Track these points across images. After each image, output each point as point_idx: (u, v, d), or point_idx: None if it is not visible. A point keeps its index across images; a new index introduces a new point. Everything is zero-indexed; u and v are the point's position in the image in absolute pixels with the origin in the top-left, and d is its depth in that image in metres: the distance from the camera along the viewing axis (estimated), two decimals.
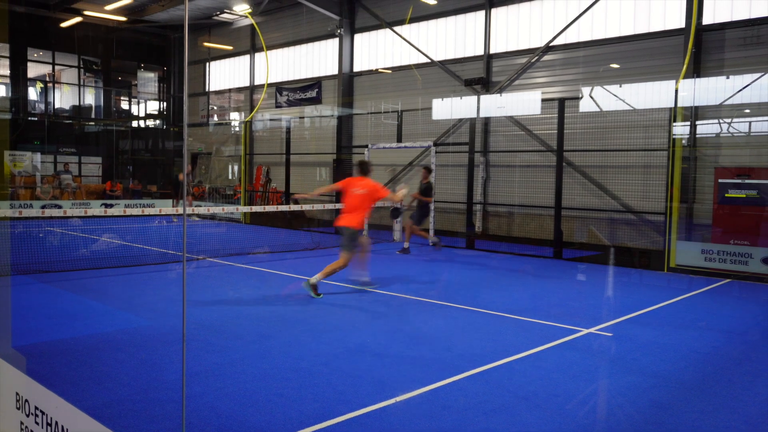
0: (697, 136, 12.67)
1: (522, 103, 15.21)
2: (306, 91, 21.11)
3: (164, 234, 16.04)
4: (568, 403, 4.50)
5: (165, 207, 18.59)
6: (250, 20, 22.45)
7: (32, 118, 24.46)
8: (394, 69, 18.44)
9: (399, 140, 16.56)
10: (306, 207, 14.60)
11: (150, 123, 28.52)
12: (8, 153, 22.36)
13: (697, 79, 12.48)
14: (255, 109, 22.85)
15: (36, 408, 3.06)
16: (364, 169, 8.71)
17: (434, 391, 4.67)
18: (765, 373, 5.40)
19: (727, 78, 12.13)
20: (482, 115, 15.97)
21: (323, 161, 20.33)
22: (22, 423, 3.20)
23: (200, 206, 18.51)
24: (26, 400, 3.15)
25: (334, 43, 20.02)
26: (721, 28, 12.40)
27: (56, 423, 2.90)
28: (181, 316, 6.83)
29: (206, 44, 25.14)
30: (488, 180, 16.01)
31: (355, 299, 8.03)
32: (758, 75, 11.62)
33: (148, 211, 13.52)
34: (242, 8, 21.46)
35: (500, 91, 15.76)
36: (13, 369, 3.34)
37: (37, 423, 3.05)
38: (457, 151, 15.66)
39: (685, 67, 12.23)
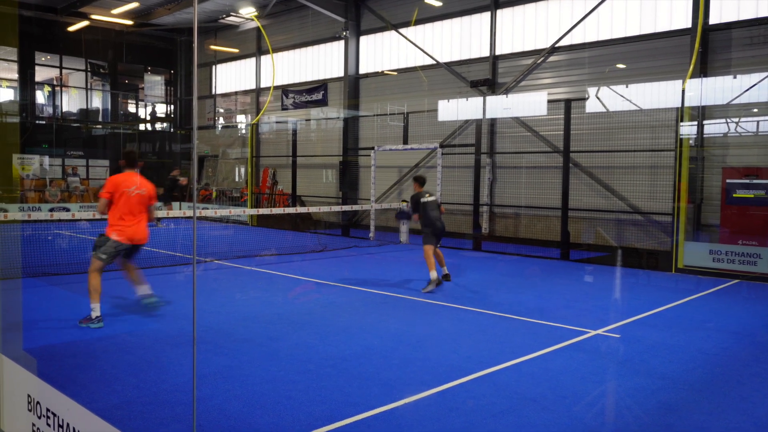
0: (704, 136, 12.61)
1: (528, 104, 15.20)
2: (312, 94, 21.16)
3: (172, 236, 16.09)
4: (576, 405, 4.49)
5: (173, 210, 18.64)
6: (256, 23, 22.51)
7: (40, 122, 24.59)
8: (399, 71, 18.45)
9: (405, 142, 16.58)
10: (313, 209, 14.62)
11: (157, 126, 28.64)
12: (17, 156, 22.49)
13: (704, 79, 12.43)
14: (261, 112, 22.91)
15: (47, 410, 3.09)
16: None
17: (442, 393, 4.68)
18: None
19: (735, 77, 12.08)
20: (488, 116, 15.96)
21: (329, 163, 20.36)
22: (33, 425, 3.23)
23: (207, 208, 18.57)
24: (38, 402, 3.18)
25: (339, 45, 20.05)
26: (727, 27, 12.35)
27: (68, 425, 2.92)
28: (190, 319, 6.86)
29: (213, 47, 25.23)
30: (494, 181, 15.99)
31: (362, 301, 8.05)
32: (765, 74, 11.57)
33: (155, 213, 13.55)
34: (248, 11, 21.53)
35: (506, 92, 15.74)
36: (25, 371, 3.37)
37: (48, 425, 3.08)
38: (464, 152, 15.66)
39: (691, 66, 12.19)
